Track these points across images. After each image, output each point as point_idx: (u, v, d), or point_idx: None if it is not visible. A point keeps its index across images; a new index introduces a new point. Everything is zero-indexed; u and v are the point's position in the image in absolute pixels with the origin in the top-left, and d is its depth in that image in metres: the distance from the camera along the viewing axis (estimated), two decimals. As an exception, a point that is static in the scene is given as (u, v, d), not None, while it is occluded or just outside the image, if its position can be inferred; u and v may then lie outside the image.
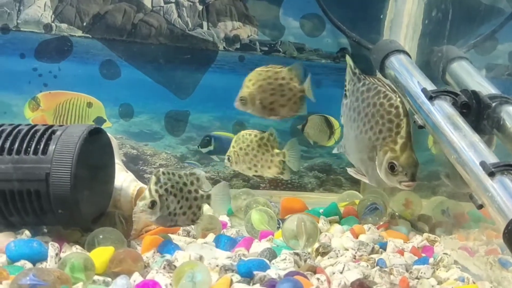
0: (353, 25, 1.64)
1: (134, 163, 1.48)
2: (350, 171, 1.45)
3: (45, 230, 1.14)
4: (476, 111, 1.21)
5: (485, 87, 1.27)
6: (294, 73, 1.35)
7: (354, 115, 1.35)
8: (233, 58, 1.63)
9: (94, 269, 0.96)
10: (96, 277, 0.97)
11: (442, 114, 1.16)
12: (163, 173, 1.02)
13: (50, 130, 1.06)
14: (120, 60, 1.53)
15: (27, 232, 1.05)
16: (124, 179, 1.24)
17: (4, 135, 1.03)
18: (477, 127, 1.20)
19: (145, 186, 1.30)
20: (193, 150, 1.66)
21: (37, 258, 0.99)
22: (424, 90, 1.22)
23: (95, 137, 1.10)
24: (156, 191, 0.99)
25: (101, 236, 1.07)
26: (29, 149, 1.04)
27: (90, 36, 1.50)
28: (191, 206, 1.07)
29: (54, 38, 1.48)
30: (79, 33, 1.49)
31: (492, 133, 1.21)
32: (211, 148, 1.67)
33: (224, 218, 1.41)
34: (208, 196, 1.08)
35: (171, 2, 1.54)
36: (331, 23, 1.63)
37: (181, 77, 1.59)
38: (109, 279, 0.97)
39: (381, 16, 1.69)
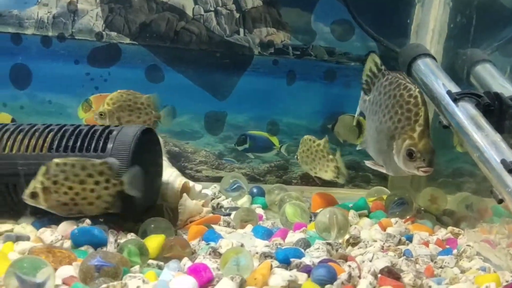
0: (381, 30, 1.68)
1: (176, 160, 1.57)
2: (368, 163, 1.51)
3: (101, 220, 1.19)
4: (498, 112, 1.27)
5: (507, 89, 1.34)
6: (151, 101, 1.45)
7: (375, 108, 1.42)
8: (268, 62, 1.70)
9: (148, 254, 1.06)
10: (150, 261, 1.06)
11: (466, 115, 1.23)
12: (56, 165, 1.04)
13: (107, 130, 1.18)
14: (164, 65, 1.64)
15: (87, 221, 1.13)
16: (170, 174, 1.35)
17: (67, 134, 1.14)
18: (500, 127, 1.26)
19: (189, 181, 1.39)
20: (230, 148, 1.75)
21: (98, 243, 1.10)
22: (449, 92, 1.29)
23: (147, 136, 1.19)
24: (42, 182, 1.03)
25: (152, 225, 1.17)
26: (89, 147, 1.15)
27: (137, 43, 1.62)
28: (100, 195, 1.08)
29: (105, 45, 1.60)
30: (127, 40, 1.61)
31: None
32: (246, 146, 1.76)
33: (260, 211, 1.49)
34: (122, 183, 1.09)
35: (211, 11, 1.64)
36: (360, 28, 1.67)
37: (219, 80, 1.69)
38: (162, 263, 1.06)
39: (408, 21, 1.75)
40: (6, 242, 1.05)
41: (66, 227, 1.14)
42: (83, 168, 1.04)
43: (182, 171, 1.53)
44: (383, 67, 1.40)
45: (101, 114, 1.42)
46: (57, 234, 1.12)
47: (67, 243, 1.09)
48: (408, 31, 1.76)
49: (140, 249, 1.07)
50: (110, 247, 1.08)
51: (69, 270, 0.94)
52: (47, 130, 1.16)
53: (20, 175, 1.13)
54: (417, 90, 1.27)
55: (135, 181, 1.10)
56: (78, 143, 1.13)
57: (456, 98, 1.25)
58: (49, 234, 1.12)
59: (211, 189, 1.63)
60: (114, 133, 1.15)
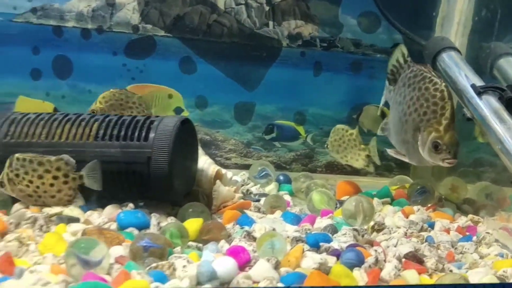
0: (406, 22, 1.71)
1: (207, 148, 1.64)
2: (390, 151, 1.56)
3: (140, 204, 1.27)
4: None
5: None
6: (143, 101, 1.50)
7: (399, 99, 1.46)
8: (295, 54, 1.75)
9: (188, 236, 1.14)
10: (190, 243, 1.13)
11: (489, 108, 1.29)
12: (17, 159, 1.12)
13: (149, 121, 1.25)
14: (197, 56, 1.70)
15: (130, 205, 1.23)
16: (204, 162, 1.43)
17: (111, 124, 1.22)
18: None
19: (221, 168, 1.46)
20: (258, 137, 1.81)
21: (142, 226, 1.17)
22: (473, 86, 1.35)
23: (185, 126, 1.26)
24: (7, 174, 1.12)
25: (190, 210, 1.25)
26: (133, 136, 1.22)
27: (171, 36, 1.68)
28: (61, 189, 1.15)
29: (141, 38, 1.67)
30: (162, 33, 1.67)
31: None
32: (273, 135, 1.82)
33: (287, 197, 1.55)
34: (81, 177, 1.16)
35: (241, 4, 1.70)
36: (386, 20, 1.71)
37: (249, 71, 1.75)
38: (200, 245, 1.13)
39: (434, 14, 1.78)
40: (59, 224, 1.12)
41: (111, 210, 1.24)
42: (40, 164, 1.14)
43: (213, 158, 1.57)
44: (409, 59, 1.44)
45: (92, 112, 1.47)
46: (103, 217, 1.20)
47: (113, 225, 1.16)
48: (433, 23, 1.78)
49: (181, 231, 1.14)
50: (153, 230, 1.16)
51: (119, 250, 1.02)
52: (92, 120, 1.24)
53: None
54: (443, 84, 1.32)
55: (94, 175, 1.17)
56: (122, 132, 1.20)
57: (480, 92, 1.30)
58: (96, 217, 1.20)
59: (240, 176, 1.68)
60: (156, 123, 1.22)
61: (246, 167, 1.76)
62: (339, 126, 1.64)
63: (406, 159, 1.47)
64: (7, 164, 1.13)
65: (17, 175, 1.12)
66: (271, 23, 1.74)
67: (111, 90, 1.51)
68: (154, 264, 0.95)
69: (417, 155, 1.38)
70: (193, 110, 1.74)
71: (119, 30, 1.66)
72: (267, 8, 1.71)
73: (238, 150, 1.83)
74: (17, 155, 1.13)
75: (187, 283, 0.91)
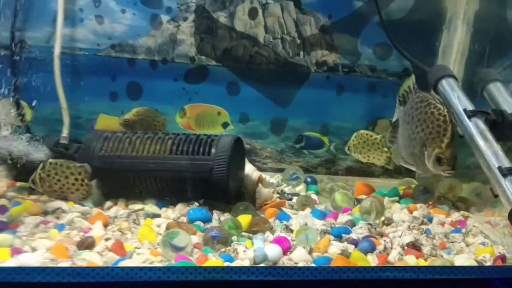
0: (413, 51, 1.85)
1: (248, 155, 1.82)
2: (401, 161, 1.72)
3: (197, 204, 1.49)
4: (501, 125, 1.50)
5: (511, 106, 1.55)
6: (166, 121, 1.74)
7: (408, 119, 1.63)
8: (321, 78, 1.91)
9: (241, 228, 1.36)
10: (243, 233, 1.35)
11: (476, 129, 1.47)
12: (50, 164, 1.40)
13: (210, 139, 1.49)
14: (241, 81, 1.87)
15: (196, 203, 1.47)
16: (249, 169, 1.63)
17: (181, 142, 1.47)
18: (503, 137, 1.49)
19: (262, 173, 1.66)
20: (289, 146, 1.96)
21: (206, 220, 1.41)
22: (465, 110, 1.52)
23: (237, 143, 1.51)
24: (39, 174, 1.40)
25: (241, 208, 1.47)
26: (198, 151, 1.46)
27: (221, 65, 1.85)
28: (78, 189, 1.42)
29: (196, 67, 1.83)
30: (213, 62, 1.85)
31: None
32: (302, 144, 1.97)
33: (314, 196, 1.72)
34: (90, 186, 1.43)
35: (278, 38, 1.86)
36: (397, 50, 1.87)
37: (283, 92, 1.91)
38: (251, 235, 1.35)
39: (437, 44, 1.93)
40: (146, 218, 1.38)
41: (181, 208, 1.48)
42: (67, 168, 1.41)
43: (252, 163, 1.76)
44: (416, 86, 1.64)
45: (125, 121, 1.70)
46: (176, 213, 1.45)
47: (184, 219, 1.41)
48: (436, 52, 1.93)
49: (236, 224, 1.36)
50: (215, 223, 1.39)
51: (194, 239, 1.26)
52: (166, 138, 1.50)
53: (150, 171, 1.46)
54: (445, 109, 1.51)
55: (101, 185, 1.44)
56: (191, 148, 1.46)
57: (469, 115, 1.49)
58: (171, 212, 1.45)
59: (275, 179, 1.81)
60: (215, 141, 1.47)
61: (280, 170, 1.92)
62: (362, 131, 1.83)
63: (413, 168, 1.65)
64: (40, 167, 1.41)
65: (48, 175, 1.41)
66: (301, 53, 1.87)
67: (144, 107, 1.72)
68: (222, 249, 1.21)
69: (423, 166, 1.56)
70: (237, 124, 1.91)
71: (179, 61, 1.84)
72: (298, 41, 1.85)
73: (273, 157, 1.99)
74: (50, 160, 1.42)
75: (248, 262, 1.16)
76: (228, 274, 1.04)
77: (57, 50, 1.64)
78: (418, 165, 1.60)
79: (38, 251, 1.15)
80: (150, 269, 1.00)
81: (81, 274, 0.99)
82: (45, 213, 1.40)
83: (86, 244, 1.19)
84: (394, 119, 1.76)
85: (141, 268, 1.00)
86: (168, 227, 1.31)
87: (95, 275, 0.99)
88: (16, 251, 1.14)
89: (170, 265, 1.12)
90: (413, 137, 1.59)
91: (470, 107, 1.54)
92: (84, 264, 1.09)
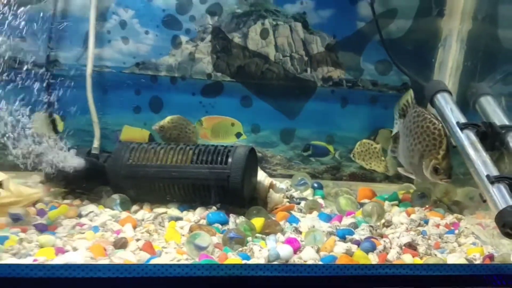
0: (411, 67, 1.92)
1: (260, 163, 1.85)
2: (400, 170, 1.80)
3: (215, 208, 1.59)
4: (491, 137, 1.57)
5: (500, 118, 1.62)
6: (196, 130, 1.85)
7: (407, 132, 1.72)
8: (327, 92, 1.97)
9: (256, 230, 1.46)
10: (257, 235, 1.45)
11: (468, 140, 1.55)
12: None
13: (227, 149, 1.58)
14: (253, 95, 1.93)
15: (214, 208, 1.57)
16: (261, 176, 1.71)
17: (201, 152, 1.58)
18: (492, 147, 1.57)
19: (273, 180, 1.73)
20: (298, 154, 2.02)
21: (223, 222, 1.51)
22: (458, 123, 1.60)
23: (251, 153, 1.60)
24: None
25: (254, 211, 1.56)
26: (217, 161, 1.55)
27: (235, 80, 1.91)
28: None
29: (213, 82, 1.91)
30: (228, 78, 1.91)
31: (502, 150, 1.56)
32: (309, 152, 2.02)
33: (320, 200, 1.79)
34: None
35: (287, 56, 1.92)
36: (396, 66, 1.94)
37: (291, 105, 1.96)
38: (264, 236, 1.45)
39: (433, 60, 1.98)
40: (170, 221, 1.49)
41: (201, 211, 1.58)
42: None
43: (263, 169, 1.87)
44: (414, 101, 1.74)
45: (161, 127, 1.82)
46: (196, 216, 1.54)
47: (203, 222, 1.51)
48: (432, 68, 1.99)
49: (250, 226, 1.46)
50: (232, 225, 1.49)
51: (214, 239, 1.36)
52: (187, 148, 1.60)
53: (172, 178, 1.56)
54: (440, 124, 1.61)
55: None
56: (210, 158, 1.56)
57: (462, 127, 1.58)
58: (191, 216, 1.55)
59: (284, 184, 1.91)
60: (232, 151, 1.57)
61: (289, 177, 1.97)
62: (365, 140, 1.94)
63: (413, 176, 1.75)
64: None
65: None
66: (309, 69, 1.94)
67: (178, 115, 1.83)
68: (240, 249, 1.32)
69: (422, 175, 1.66)
70: (249, 134, 1.96)
71: (197, 77, 1.90)
72: (306, 58, 1.93)
73: (283, 164, 2.03)
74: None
75: (263, 261, 1.28)
76: (246, 271, 1.15)
77: (89, 69, 1.75)
78: (417, 174, 1.70)
79: (78, 250, 1.28)
80: (178, 266, 1.11)
81: (119, 270, 1.11)
82: (80, 216, 1.53)
83: (120, 244, 1.31)
84: (394, 131, 1.85)
85: (170, 265, 1.12)
86: (191, 229, 1.42)
87: (131, 271, 1.11)
88: (59, 250, 1.27)
89: (195, 262, 1.25)
90: (411, 148, 1.69)
91: (462, 119, 1.62)
92: (121, 261, 1.22)
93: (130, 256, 1.26)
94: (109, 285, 1.10)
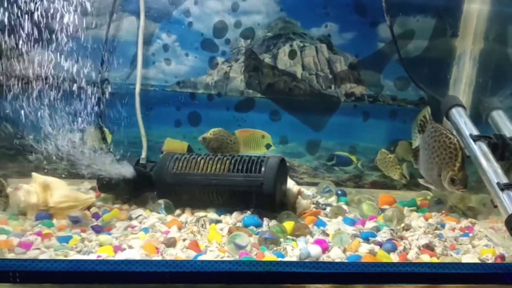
0: (428, 83, 1.98)
1: (288, 171, 1.85)
2: (421, 181, 1.86)
3: (249, 212, 1.68)
4: (502, 148, 1.66)
5: (510, 130, 1.71)
6: (238, 140, 1.93)
7: (426, 146, 1.79)
8: (350, 106, 2.04)
9: (287, 232, 1.56)
10: (288, 237, 1.55)
11: (480, 151, 1.64)
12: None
13: (260, 159, 1.69)
14: (281, 110, 2.01)
15: (248, 212, 1.68)
16: (290, 183, 1.81)
17: (237, 162, 1.69)
18: (503, 157, 1.65)
19: (301, 187, 1.83)
20: (323, 163, 2.09)
21: (257, 225, 1.60)
22: (471, 135, 1.69)
23: (282, 163, 1.72)
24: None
25: (285, 215, 1.66)
26: (251, 169, 1.66)
27: (265, 96, 2.00)
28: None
29: (245, 99, 1.99)
30: (259, 95, 2.00)
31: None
32: (334, 162, 2.09)
33: (344, 207, 1.84)
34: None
35: (313, 74, 1.99)
36: (413, 82, 1.99)
37: (317, 118, 2.04)
38: (294, 238, 1.54)
39: (448, 77, 2.04)
40: (211, 224, 1.60)
41: (237, 215, 1.68)
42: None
43: (291, 178, 1.90)
44: (431, 117, 1.79)
45: (204, 138, 1.91)
46: (233, 219, 1.66)
47: (239, 224, 1.62)
48: (447, 84, 2.04)
49: (282, 229, 1.56)
50: (265, 228, 1.59)
51: (252, 240, 1.49)
52: (225, 159, 1.71)
53: (212, 185, 1.68)
54: (456, 138, 1.67)
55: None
56: (245, 167, 1.67)
57: (475, 139, 1.66)
58: (228, 219, 1.66)
59: (310, 191, 1.98)
60: (265, 161, 1.68)
61: (315, 184, 2.04)
62: (383, 150, 2.01)
63: (432, 187, 1.82)
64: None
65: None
66: (333, 86, 2.01)
67: (219, 128, 1.92)
68: (275, 248, 1.44)
69: (441, 185, 1.71)
70: (278, 145, 2.04)
71: (231, 94, 1.99)
72: (330, 76, 2.00)
73: (309, 173, 2.09)
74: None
75: (295, 259, 1.40)
76: (282, 267, 1.27)
77: (137, 88, 1.89)
78: (436, 184, 1.76)
79: (134, 248, 1.43)
80: (222, 262, 1.24)
81: (172, 265, 1.25)
82: (130, 218, 1.67)
83: (170, 243, 1.46)
84: (414, 146, 1.91)
85: (216, 261, 1.26)
86: (229, 231, 1.54)
87: (182, 266, 1.24)
88: (117, 248, 1.42)
89: (236, 259, 1.38)
90: (430, 161, 1.75)
91: (475, 132, 1.71)
92: (172, 258, 1.37)
93: (179, 253, 1.40)
94: (164, 278, 1.23)
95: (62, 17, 1.62)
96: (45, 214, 1.63)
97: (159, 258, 1.38)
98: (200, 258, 1.39)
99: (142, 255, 1.38)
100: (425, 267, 1.30)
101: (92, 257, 1.36)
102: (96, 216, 1.68)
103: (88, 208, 1.73)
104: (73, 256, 1.38)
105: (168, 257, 1.37)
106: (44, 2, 1.59)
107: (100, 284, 1.21)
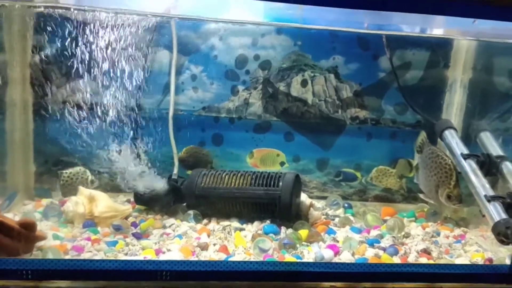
0: (424, 107, 2.08)
1: None
2: (422, 196, 1.99)
3: (268, 221, 1.81)
4: (488, 165, 1.79)
5: (496, 150, 1.84)
6: (208, 152, 2.05)
7: (424, 165, 1.92)
8: (355, 128, 2.14)
9: (302, 239, 1.69)
10: (303, 243, 1.67)
11: (470, 168, 1.76)
12: None
13: (277, 175, 1.84)
14: (294, 131, 2.11)
15: (268, 221, 1.82)
16: (303, 196, 1.94)
17: (258, 177, 1.84)
18: (489, 172, 1.78)
19: (312, 200, 1.95)
20: (331, 179, 2.17)
21: (276, 233, 1.74)
22: (462, 154, 1.81)
23: (297, 178, 1.86)
24: None
25: (300, 225, 1.79)
26: (270, 184, 1.81)
27: (280, 120, 2.11)
28: None
29: (262, 122, 2.10)
30: (274, 118, 2.10)
31: (498, 176, 1.79)
32: (341, 178, 2.19)
33: (351, 218, 1.95)
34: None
35: (322, 100, 2.09)
36: (411, 107, 2.10)
37: (326, 139, 2.13)
38: (309, 244, 1.67)
39: (442, 102, 2.13)
40: (236, 231, 1.75)
41: (257, 224, 1.82)
42: None
43: (303, 192, 1.97)
44: (427, 140, 1.93)
45: (180, 159, 2.05)
46: (255, 227, 1.81)
47: (260, 232, 1.76)
48: (441, 109, 2.12)
49: (297, 236, 1.70)
50: (282, 235, 1.73)
51: (272, 244, 1.63)
52: (246, 174, 1.87)
53: (235, 198, 1.84)
54: (450, 160, 1.80)
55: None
56: (265, 182, 1.82)
57: (465, 157, 1.79)
58: (250, 227, 1.81)
59: (320, 204, 2.08)
60: (282, 177, 1.83)
61: (324, 198, 2.13)
62: (381, 167, 2.12)
63: (431, 201, 1.92)
64: None
65: None
66: (340, 110, 2.11)
67: (190, 146, 2.04)
68: (293, 251, 1.59)
69: (438, 200, 1.85)
70: (291, 163, 2.14)
71: (250, 118, 2.09)
72: (337, 102, 2.10)
73: (318, 187, 2.19)
74: None
75: (312, 260, 1.55)
76: (300, 267, 1.43)
77: (171, 112, 2.04)
78: (435, 199, 1.89)
79: (172, 251, 1.60)
80: (250, 262, 1.41)
81: (208, 265, 1.41)
82: (164, 227, 1.84)
83: (203, 246, 1.63)
84: (415, 164, 2.07)
85: (245, 262, 1.41)
86: (253, 237, 1.70)
87: (216, 266, 1.40)
88: (158, 251, 1.60)
89: (262, 260, 1.54)
90: (429, 179, 1.88)
91: (465, 151, 1.84)
92: (207, 259, 1.53)
93: (212, 255, 1.57)
94: (202, 276, 1.38)
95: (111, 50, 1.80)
96: (91, 223, 1.80)
97: (196, 259, 1.55)
98: (231, 259, 1.55)
99: (181, 257, 1.54)
100: (423, 268, 1.45)
101: (139, 258, 1.53)
102: (134, 224, 1.84)
103: (126, 218, 1.89)
104: (121, 257, 1.55)
105: (203, 259, 1.54)
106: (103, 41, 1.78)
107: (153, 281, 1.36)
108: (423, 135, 1.98)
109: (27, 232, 1.49)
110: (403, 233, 1.84)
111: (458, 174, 1.81)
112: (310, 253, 1.61)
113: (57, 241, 1.65)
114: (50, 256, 1.48)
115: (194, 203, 1.90)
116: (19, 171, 2.03)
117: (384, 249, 1.68)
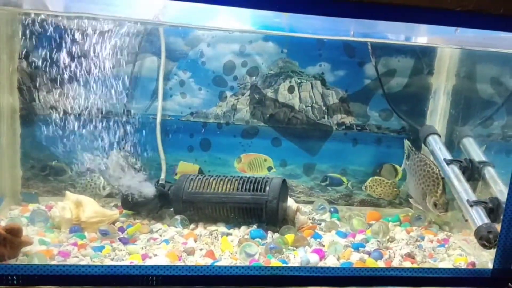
0: (408, 114, 2.13)
1: None
2: (411, 200, 2.02)
3: (255, 226, 1.83)
4: (471, 170, 1.83)
5: (478, 155, 1.87)
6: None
7: (412, 172, 1.94)
8: (341, 134, 2.16)
9: (288, 243, 1.71)
10: (289, 247, 1.69)
11: (453, 173, 1.80)
12: None
13: (265, 180, 1.85)
14: (281, 137, 2.13)
15: (254, 226, 1.82)
16: (289, 201, 1.96)
17: (245, 182, 1.84)
18: (471, 177, 1.82)
19: (299, 204, 1.97)
20: (317, 184, 2.19)
21: (262, 237, 1.75)
22: (445, 159, 1.85)
23: (284, 183, 1.87)
24: None
25: (286, 229, 1.81)
26: (257, 189, 1.82)
27: (267, 125, 2.12)
28: None
29: (250, 127, 2.10)
30: (262, 124, 2.12)
31: (480, 181, 1.81)
32: (327, 183, 2.20)
33: (337, 222, 1.98)
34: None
35: (309, 106, 2.11)
36: (395, 113, 2.13)
37: (312, 145, 2.15)
38: (295, 248, 1.69)
39: (425, 109, 2.16)
40: (223, 236, 1.75)
41: (244, 229, 1.84)
42: None
43: (290, 196, 2.01)
44: (413, 148, 1.97)
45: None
46: (241, 232, 1.81)
47: (247, 237, 1.76)
48: (425, 115, 2.15)
49: (284, 240, 1.72)
50: (269, 239, 1.74)
51: (258, 249, 1.65)
52: (233, 179, 1.87)
53: (222, 203, 1.84)
54: (437, 169, 1.82)
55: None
56: (251, 187, 1.83)
57: (448, 163, 1.83)
58: (237, 232, 1.81)
59: (307, 208, 2.11)
60: (269, 182, 1.84)
61: (310, 203, 2.16)
62: (376, 177, 2.15)
63: (420, 207, 1.95)
64: None
65: None
66: (326, 116, 2.13)
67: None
68: (279, 256, 1.60)
69: (426, 206, 1.87)
70: (278, 168, 2.15)
71: (238, 123, 2.10)
72: (324, 108, 2.11)
73: (305, 192, 2.20)
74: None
75: (298, 264, 1.55)
76: (286, 271, 1.42)
77: (158, 118, 2.04)
78: (423, 205, 1.92)
79: (159, 256, 1.59)
80: (236, 267, 1.39)
81: (194, 270, 1.41)
82: (151, 231, 1.84)
83: (189, 251, 1.62)
84: (401, 168, 2.10)
85: (231, 266, 1.40)
86: (240, 242, 1.70)
87: (202, 270, 1.39)
88: (145, 256, 1.59)
89: (248, 265, 1.55)
90: (417, 186, 1.91)
91: (448, 156, 1.88)
92: (193, 264, 1.53)
93: (199, 260, 1.56)
94: (189, 281, 1.37)
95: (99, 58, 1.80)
96: (78, 228, 1.79)
97: (182, 264, 1.54)
98: (217, 264, 1.54)
99: (167, 262, 1.54)
100: (407, 272, 1.45)
101: (126, 263, 1.52)
102: (121, 229, 1.83)
103: (113, 222, 1.88)
104: (108, 263, 1.53)
105: (189, 263, 1.53)
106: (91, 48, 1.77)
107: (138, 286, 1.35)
108: (407, 143, 2.01)
109: (12, 237, 1.48)
110: (388, 237, 1.87)
111: (445, 183, 1.83)
112: (296, 258, 1.62)
113: (43, 246, 1.64)
114: (36, 261, 1.47)
115: (181, 208, 1.90)
116: (6, 176, 2.01)
117: (369, 253, 1.70)
